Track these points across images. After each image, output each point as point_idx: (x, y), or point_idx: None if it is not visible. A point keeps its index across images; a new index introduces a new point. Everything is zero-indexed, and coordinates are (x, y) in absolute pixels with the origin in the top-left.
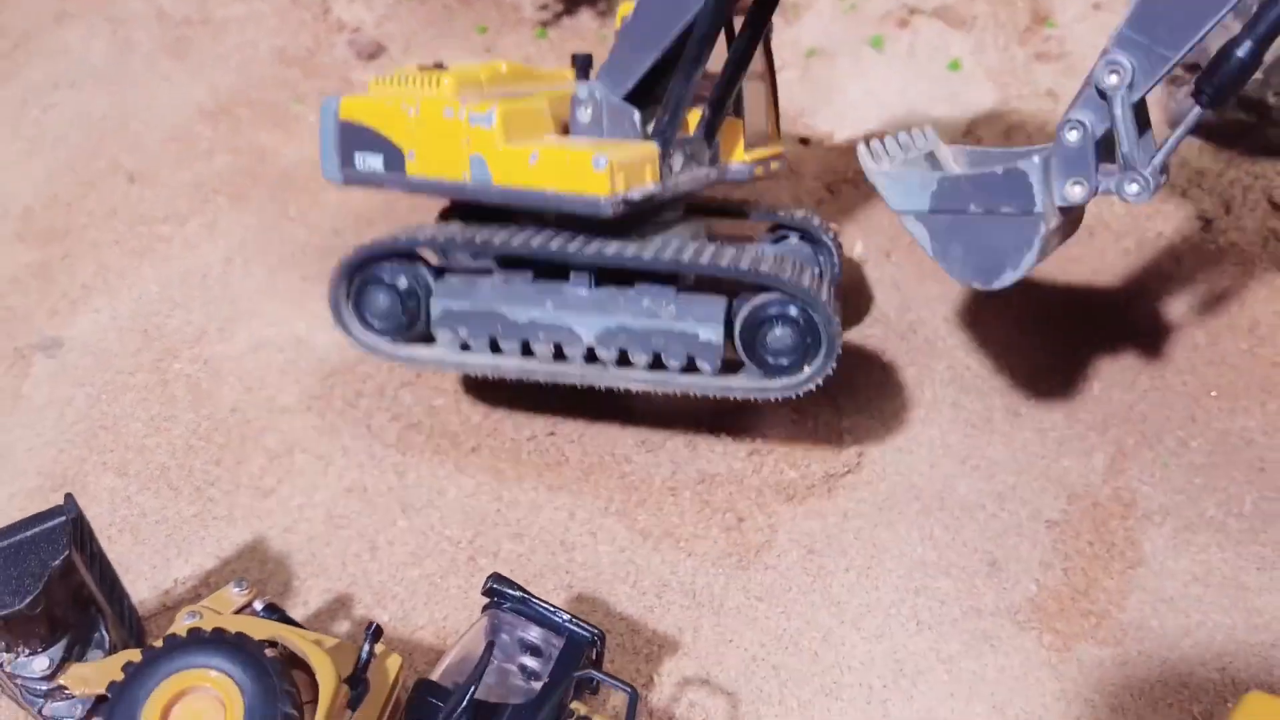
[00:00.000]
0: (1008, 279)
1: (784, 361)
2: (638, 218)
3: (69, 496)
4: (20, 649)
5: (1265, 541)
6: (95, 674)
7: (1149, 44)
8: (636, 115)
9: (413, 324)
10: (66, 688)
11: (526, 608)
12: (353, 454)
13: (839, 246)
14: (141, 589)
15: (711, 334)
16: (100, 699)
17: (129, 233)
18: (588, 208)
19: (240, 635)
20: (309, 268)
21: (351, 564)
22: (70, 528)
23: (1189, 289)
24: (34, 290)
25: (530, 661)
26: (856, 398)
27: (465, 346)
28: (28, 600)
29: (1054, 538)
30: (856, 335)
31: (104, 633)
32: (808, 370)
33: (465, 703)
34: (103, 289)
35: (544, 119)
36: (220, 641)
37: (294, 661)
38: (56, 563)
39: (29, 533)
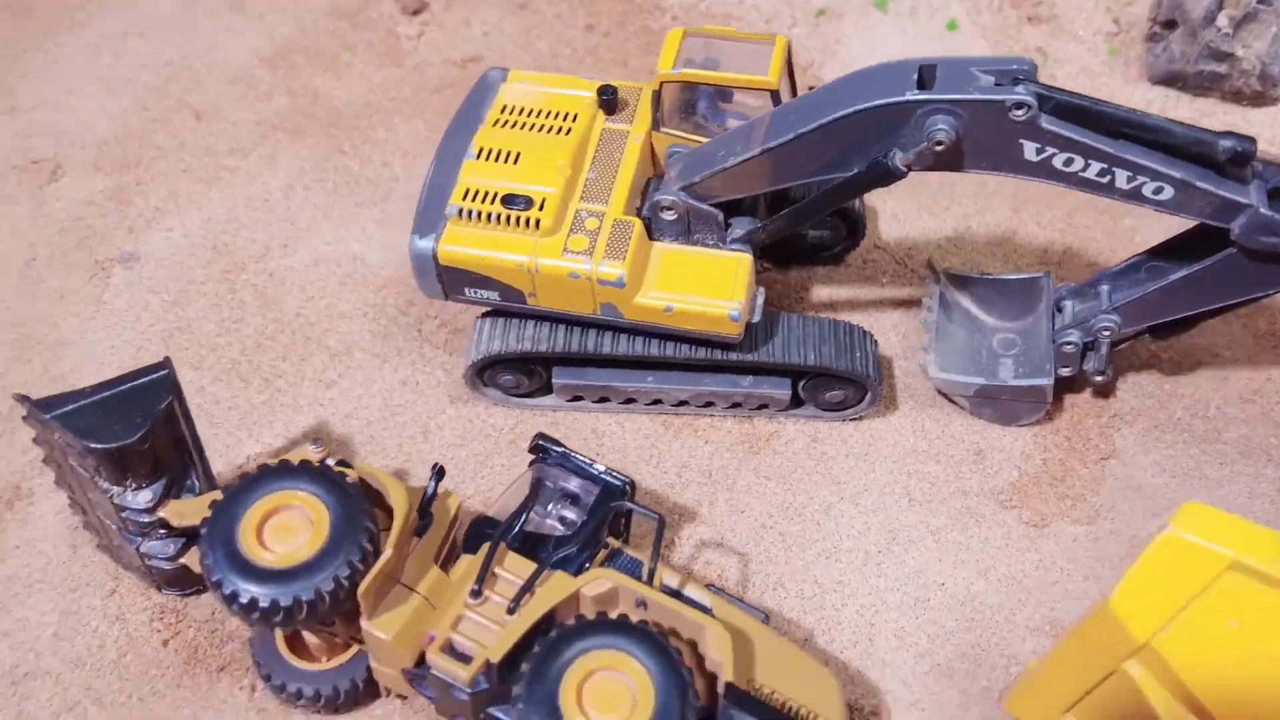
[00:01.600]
0: (1024, 423)
1: (838, 407)
2: None
3: (167, 358)
4: (128, 483)
5: (1226, 440)
6: (190, 509)
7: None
8: (722, 218)
9: (534, 392)
10: (163, 525)
11: (567, 461)
12: (405, 354)
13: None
14: (217, 464)
15: (782, 393)
16: (191, 537)
17: (196, 163)
18: (719, 340)
19: (324, 464)
20: (361, 195)
21: (407, 444)
22: (172, 379)
23: None
24: (111, 212)
25: (569, 513)
26: (861, 311)
27: (576, 399)
28: (139, 435)
29: (1034, 433)
30: (857, 256)
31: (194, 479)
32: (855, 409)
33: (516, 530)
34: (174, 211)
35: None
36: (307, 469)
37: (370, 495)
38: (162, 405)
39: (135, 383)
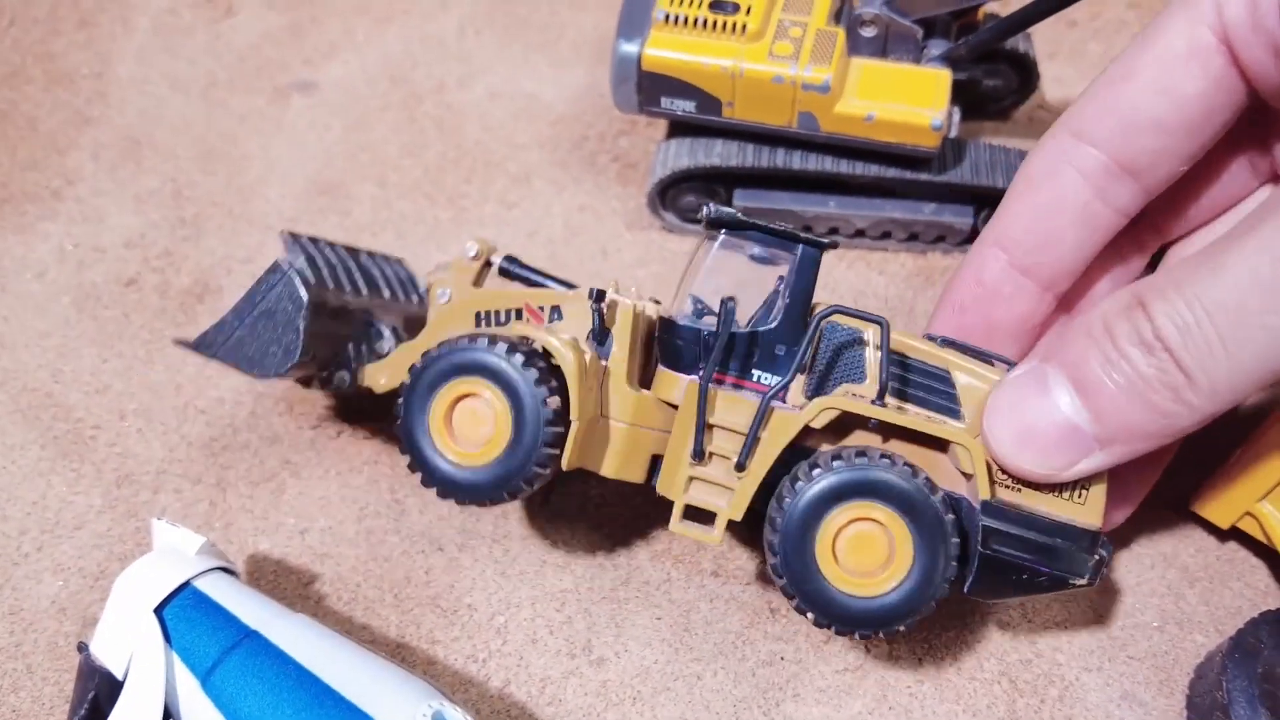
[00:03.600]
0: None
1: None
2: None
3: (288, 239)
4: (320, 374)
5: None
6: (386, 373)
7: None
8: (920, 35)
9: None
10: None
11: (755, 232)
12: (581, 183)
13: None
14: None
15: (964, 221)
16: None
17: (371, 3)
18: (918, 153)
19: (506, 340)
20: (531, 39)
21: (588, 263)
22: (299, 276)
23: None
24: (287, 44)
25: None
26: None
27: None
28: (297, 356)
29: None
30: (1023, 114)
31: (379, 326)
32: None
33: (715, 363)
34: (350, 46)
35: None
36: (483, 358)
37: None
38: (303, 314)
39: (268, 295)
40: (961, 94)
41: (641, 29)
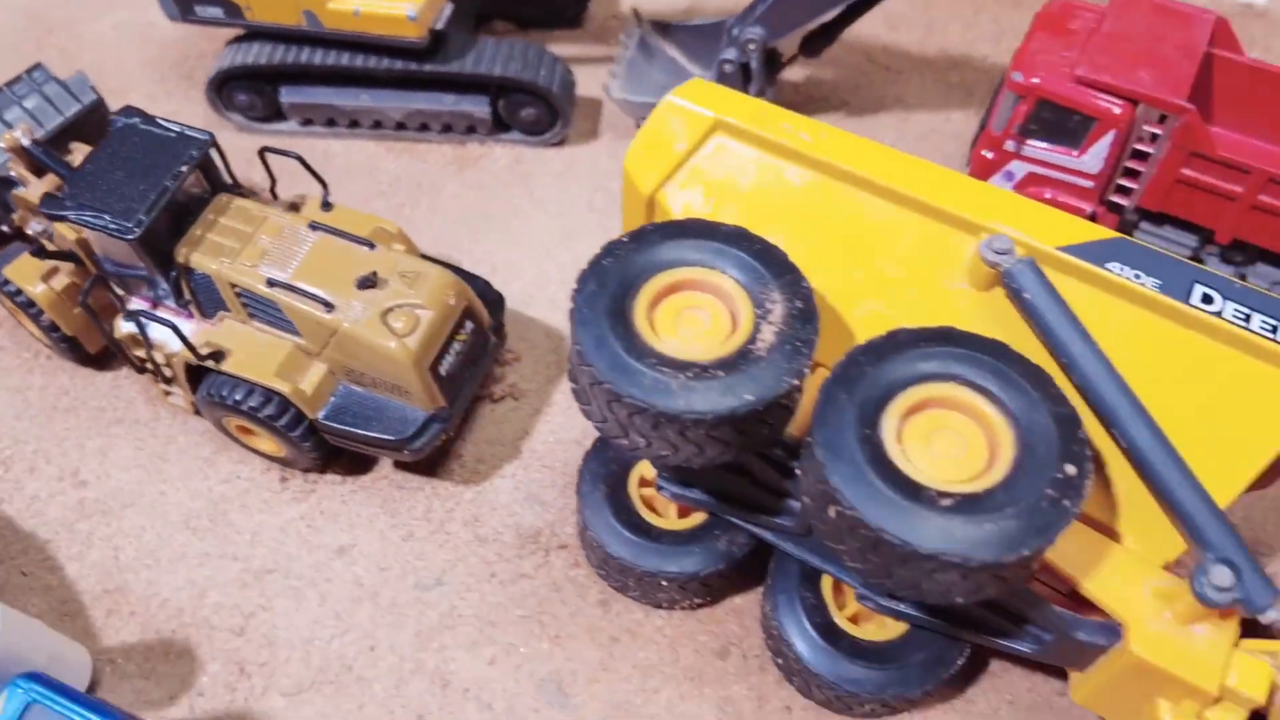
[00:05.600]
0: None
1: (537, 129)
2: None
3: None
4: None
5: None
6: None
7: None
8: None
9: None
10: None
11: None
12: (173, 96)
13: None
14: None
15: (483, 110)
16: None
17: None
18: (406, 44)
19: None
20: None
21: None
22: None
23: None
24: None
25: None
26: (593, 66)
27: (308, 122)
28: None
29: None
30: (596, 23)
31: None
32: (553, 132)
33: None
34: None
35: None
36: None
37: None
38: None
39: None
40: (527, 4)
41: None
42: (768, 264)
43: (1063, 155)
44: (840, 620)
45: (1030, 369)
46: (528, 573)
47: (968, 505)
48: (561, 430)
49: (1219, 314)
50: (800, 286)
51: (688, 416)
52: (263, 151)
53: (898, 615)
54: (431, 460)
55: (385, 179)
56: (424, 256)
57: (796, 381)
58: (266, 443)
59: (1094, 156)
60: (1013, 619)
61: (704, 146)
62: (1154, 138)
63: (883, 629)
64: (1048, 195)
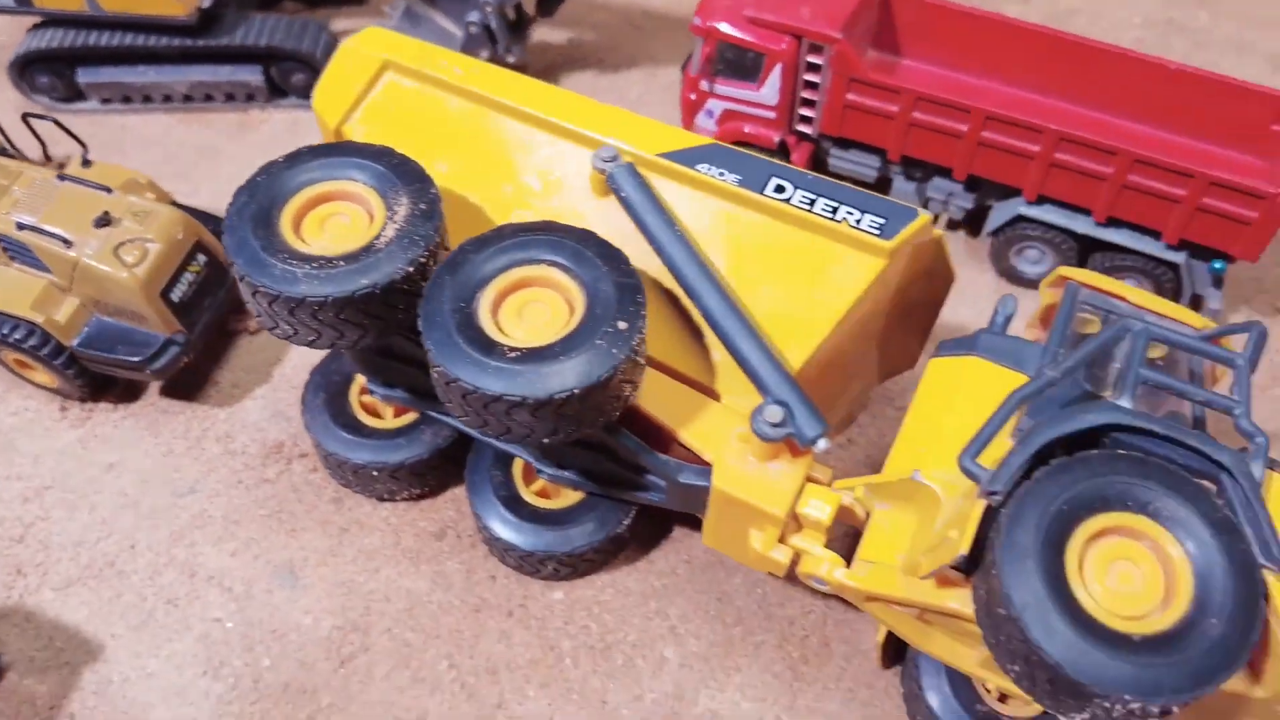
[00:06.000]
0: None
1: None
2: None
3: None
4: None
5: None
6: None
7: None
8: None
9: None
10: None
11: None
12: None
13: None
14: None
15: (256, 78)
16: None
17: None
18: (177, 22)
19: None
20: None
21: None
22: None
23: None
24: None
25: None
26: None
27: (106, 100)
28: None
29: None
30: None
31: None
32: None
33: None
34: None
35: None
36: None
37: None
38: None
39: None
40: None
41: None
42: (401, 175)
43: (746, 90)
44: (527, 494)
45: (605, 249)
46: (270, 478)
47: (531, 355)
48: (312, 356)
49: (789, 200)
50: (427, 193)
51: (311, 300)
52: (25, 117)
53: (560, 480)
54: (191, 386)
55: (175, 146)
56: (183, 206)
57: (412, 270)
58: (42, 375)
59: (770, 89)
60: (637, 471)
61: (376, 85)
62: (818, 68)
63: (560, 498)
64: (747, 129)
